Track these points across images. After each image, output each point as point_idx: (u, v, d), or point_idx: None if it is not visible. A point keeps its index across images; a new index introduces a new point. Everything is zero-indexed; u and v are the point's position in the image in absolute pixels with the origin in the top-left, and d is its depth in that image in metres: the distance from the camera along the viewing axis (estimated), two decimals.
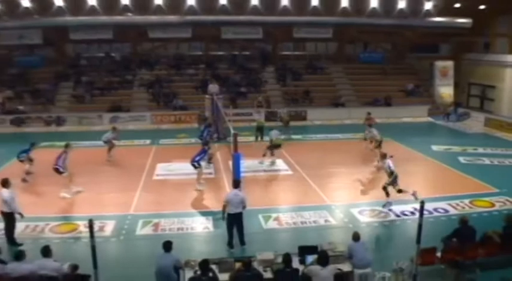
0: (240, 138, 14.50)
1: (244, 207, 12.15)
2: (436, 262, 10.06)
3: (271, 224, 13.91)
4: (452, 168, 19.72)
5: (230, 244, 12.12)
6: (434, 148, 23.35)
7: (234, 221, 11.99)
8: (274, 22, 34.27)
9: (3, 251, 9.82)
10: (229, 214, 11.91)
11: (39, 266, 9.00)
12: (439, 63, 36.65)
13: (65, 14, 31.18)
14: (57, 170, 16.20)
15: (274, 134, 20.66)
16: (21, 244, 11.85)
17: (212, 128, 23.45)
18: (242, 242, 12.17)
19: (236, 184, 12.42)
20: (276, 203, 15.79)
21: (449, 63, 36.60)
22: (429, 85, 37.08)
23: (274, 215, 14.47)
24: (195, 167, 17.08)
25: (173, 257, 9.37)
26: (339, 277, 9.04)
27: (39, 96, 33.06)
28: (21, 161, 18.71)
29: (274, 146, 20.29)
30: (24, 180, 18.07)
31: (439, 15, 33.70)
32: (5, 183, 12.34)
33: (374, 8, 32.81)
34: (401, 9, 33.08)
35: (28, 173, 18.31)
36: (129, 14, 32.26)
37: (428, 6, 33.04)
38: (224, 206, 11.93)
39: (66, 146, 16.97)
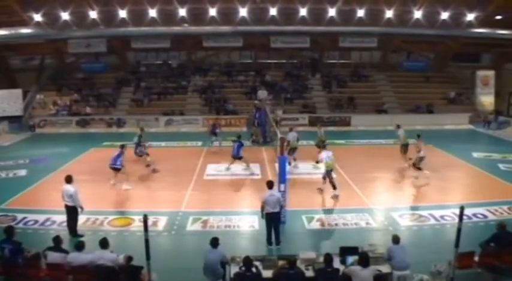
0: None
1: (281, 207, 12.06)
2: (473, 266, 9.66)
3: (314, 224, 13.71)
4: (492, 175, 18.96)
5: (269, 242, 12.03)
6: (475, 154, 22.55)
7: (271, 220, 11.89)
8: (321, 32, 34.05)
9: (64, 242, 10.04)
10: (267, 214, 11.83)
11: (97, 256, 9.17)
12: (481, 73, 35.57)
13: (128, 25, 31.99)
14: (116, 169, 16.80)
15: (291, 136, 19.72)
16: (82, 236, 12.15)
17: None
18: (277, 242, 11.98)
19: (270, 184, 12.23)
20: (319, 205, 15.59)
21: (491, 73, 35.46)
22: (470, 93, 35.95)
23: (317, 216, 14.29)
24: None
25: (220, 253, 9.39)
26: (378, 278, 8.84)
27: (102, 100, 34.06)
28: (140, 156, 19.52)
29: (291, 149, 19.35)
30: (154, 170, 19.09)
31: (480, 26, 32.67)
32: (69, 179, 12.61)
33: (417, 19, 32.14)
34: (444, 20, 32.26)
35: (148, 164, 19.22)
36: (186, 25, 32.76)
37: (470, 17, 32.06)
38: (262, 206, 11.87)
39: (122, 146, 17.55)
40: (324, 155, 16.27)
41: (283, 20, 32.70)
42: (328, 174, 16.06)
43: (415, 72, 37.55)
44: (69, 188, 12.41)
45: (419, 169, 17.94)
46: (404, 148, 20.52)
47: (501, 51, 36.49)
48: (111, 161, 16.90)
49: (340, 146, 24.26)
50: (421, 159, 17.93)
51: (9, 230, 9.84)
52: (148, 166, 19.28)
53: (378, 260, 9.40)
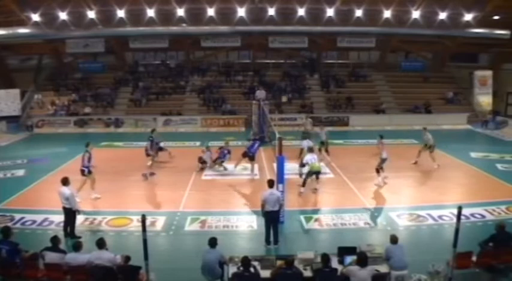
0: (284, 142, 14.34)
1: (280, 206, 12.10)
2: (471, 266, 9.69)
3: (312, 224, 13.73)
4: (490, 175, 18.99)
5: (267, 241, 12.04)
6: (473, 154, 22.60)
7: (270, 219, 11.93)
8: (319, 32, 34.13)
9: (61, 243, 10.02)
10: (266, 212, 11.87)
11: (95, 256, 9.17)
12: (479, 73, 35.59)
13: (126, 25, 31.98)
14: (82, 172, 15.58)
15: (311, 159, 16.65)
16: (80, 237, 12.06)
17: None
18: (275, 241, 12.00)
19: (271, 183, 12.26)
20: (317, 205, 15.61)
21: (488, 73, 35.48)
22: (468, 94, 36.02)
23: (315, 216, 14.31)
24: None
25: (218, 253, 9.41)
26: (376, 278, 8.85)
27: (101, 100, 34.02)
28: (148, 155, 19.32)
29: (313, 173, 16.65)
30: (149, 174, 18.33)
31: (478, 26, 32.72)
32: (65, 181, 12.53)
33: (415, 19, 32.19)
34: (441, 20, 32.30)
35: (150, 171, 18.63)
36: (184, 24, 32.75)
37: (468, 17, 32.11)
38: (262, 205, 11.90)
39: (86, 145, 16.00)
40: (309, 157, 16.28)
41: (281, 20, 32.72)
42: (309, 175, 16.20)
43: (413, 72, 37.55)
44: (65, 190, 12.34)
45: (378, 171, 17.38)
46: (432, 148, 20.36)
47: (499, 51, 36.51)
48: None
49: (338, 146, 24.28)
50: (383, 161, 17.32)
51: (6, 231, 9.83)
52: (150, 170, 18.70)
53: (376, 260, 9.41)
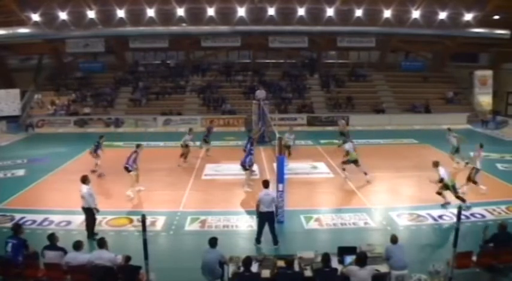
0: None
1: (276, 207, 12.11)
2: (471, 266, 9.68)
3: (312, 224, 13.70)
4: (490, 174, 18.92)
5: (258, 240, 12.01)
6: (473, 154, 22.53)
7: (265, 220, 11.88)
8: (319, 32, 34.17)
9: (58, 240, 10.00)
10: (261, 213, 11.82)
11: (95, 256, 9.17)
12: (479, 73, 35.61)
13: (126, 24, 32.03)
14: (126, 169, 15.96)
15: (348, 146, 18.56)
16: (96, 234, 12.06)
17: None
18: (275, 241, 11.94)
19: (266, 184, 12.23)
20: (317, 205, 15.58)
21: (489, 73, 35.50)
22: (468, 93, 36.04)
23: (315, 216, 14.25)
24: (245, 169, 17.15)
25: (218, 253, 9.40)
26: (376, 277, 8.84)
27: (101, 100, 34.03)
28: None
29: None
30: (95, 172, 18.51)
31: (478, 26, 32.73)
32: (83, 179, 12.47)
33: (416, 19, 32.20)
34: (442, 20, 32.31)
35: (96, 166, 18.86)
36: (184, 24, 32.82)
37: (468, 17, 32.11)
38: (257, 205, 11.87)
39: (138, 146, 16.60)
40: (442, 171, 14.82)
41: (281, 19, 32.78)
42: (453, 190, 14.76)
43: (413, 72, 37.64)
44: (82, 189, 12.32)
45: (475, 182, 16.27)
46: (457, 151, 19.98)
47: (499, 51, 36.56)
48: (125, 160, 16.12)
49: (338, 146, 24.23)
50: (477, 171, 16.42)
51: (16, 228, 9.99)
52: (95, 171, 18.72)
53: (376, 260, 9.40)
